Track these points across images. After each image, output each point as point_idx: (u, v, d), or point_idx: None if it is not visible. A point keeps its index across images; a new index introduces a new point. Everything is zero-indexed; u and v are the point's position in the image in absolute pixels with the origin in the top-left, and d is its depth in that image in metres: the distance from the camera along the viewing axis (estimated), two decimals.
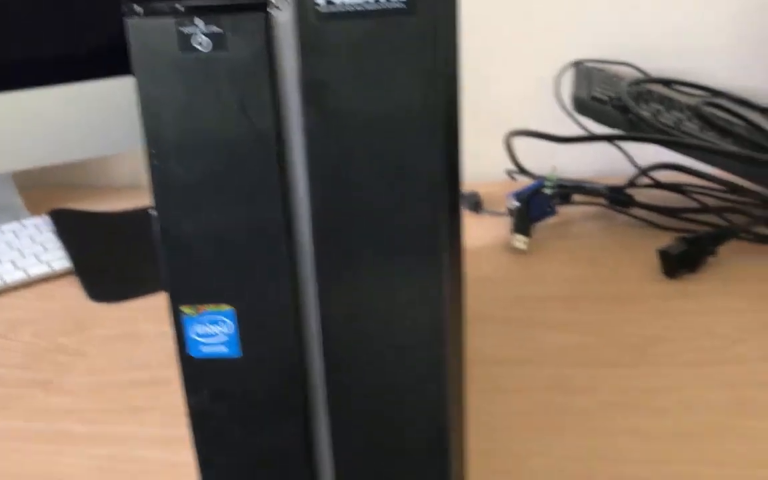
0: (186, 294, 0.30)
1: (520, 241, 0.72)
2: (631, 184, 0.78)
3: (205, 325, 0.30)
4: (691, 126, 0.75)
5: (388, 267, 0.29)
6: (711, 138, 0.73)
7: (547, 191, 0.76)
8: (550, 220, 0.78)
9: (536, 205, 0.75)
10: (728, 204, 0.75)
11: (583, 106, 0.77)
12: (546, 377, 0.54)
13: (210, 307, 0.30)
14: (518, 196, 0.75)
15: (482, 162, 0.85)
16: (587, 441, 0.47)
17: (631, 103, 0.75)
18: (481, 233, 0.76)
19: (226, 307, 0.30)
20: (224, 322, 0.30)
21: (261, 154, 0.28)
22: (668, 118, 0.75)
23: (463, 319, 0.30)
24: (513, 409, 0.51)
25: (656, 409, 0.50)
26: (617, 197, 0.78)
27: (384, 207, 0.28)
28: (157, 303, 0.67)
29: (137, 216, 0.84)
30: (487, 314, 0.62)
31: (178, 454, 0.48)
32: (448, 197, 0.28)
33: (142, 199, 0.88)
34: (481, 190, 0.83)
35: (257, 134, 0.27)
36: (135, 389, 0.55)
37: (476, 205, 0.82)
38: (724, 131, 0.75)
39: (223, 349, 0.30)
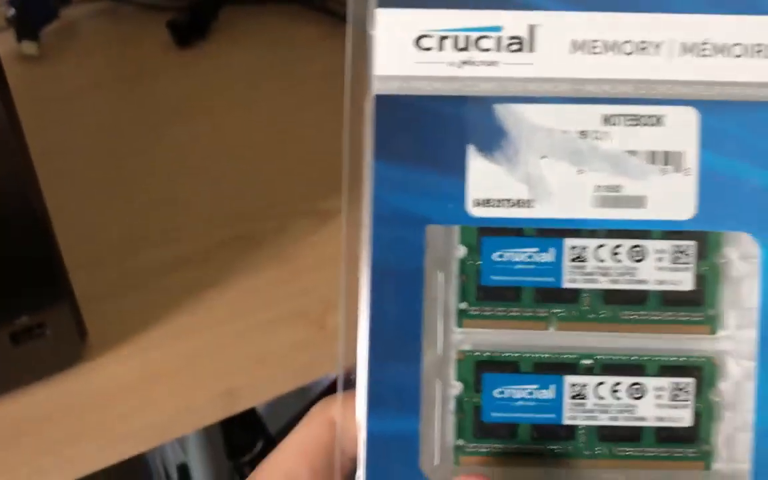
0: None
1: (30, 47, 0.69)
2: None
3: None
4: None
5: None
6: None
7: None
8: (55, 25, 0.75)
9: (35, 10, 0.72)
10: None
11: None
12: (95, 145, 0.57)
13: None
14: (12, 2, 0.71)
15: None
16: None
17: None
18: None
19: None
20: None
21: None
22: None
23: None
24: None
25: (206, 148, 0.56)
26: None
27: None
28: None
29: None
30: None
31: None
32: None
33: None
34: None
35: None
36: None
37: None
38: None
39: None
